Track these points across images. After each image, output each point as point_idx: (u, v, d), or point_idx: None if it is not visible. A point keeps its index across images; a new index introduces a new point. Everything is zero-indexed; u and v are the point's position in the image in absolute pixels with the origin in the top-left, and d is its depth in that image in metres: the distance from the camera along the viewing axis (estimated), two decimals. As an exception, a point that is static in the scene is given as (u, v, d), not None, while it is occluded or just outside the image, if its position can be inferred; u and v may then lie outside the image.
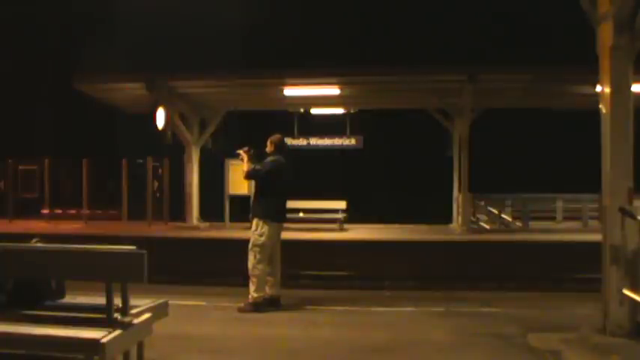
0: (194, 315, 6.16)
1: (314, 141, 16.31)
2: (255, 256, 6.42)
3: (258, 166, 6.68)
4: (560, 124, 19.72)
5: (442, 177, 16.92)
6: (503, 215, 14.62)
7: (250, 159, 6.75)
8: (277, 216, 6.58)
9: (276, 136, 6.81)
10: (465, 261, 11.14)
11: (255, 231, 6.47)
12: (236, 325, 5.81)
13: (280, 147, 6.79)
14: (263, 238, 6.41)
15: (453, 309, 6.49)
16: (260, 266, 6.40)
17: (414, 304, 6.81)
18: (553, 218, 14.43)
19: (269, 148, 6.73)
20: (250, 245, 6.48)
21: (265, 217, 6.46)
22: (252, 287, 6.39)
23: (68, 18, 24.77)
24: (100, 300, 3.78)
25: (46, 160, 16.54)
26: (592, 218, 13.69)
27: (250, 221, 6.74)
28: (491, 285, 9.47)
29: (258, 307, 6.32)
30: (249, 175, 6.74)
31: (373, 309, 6.58)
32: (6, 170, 17.24)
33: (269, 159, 6.65)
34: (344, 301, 7.12)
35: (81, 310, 3.92)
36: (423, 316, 6.22)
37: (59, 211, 17.78)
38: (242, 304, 6.38)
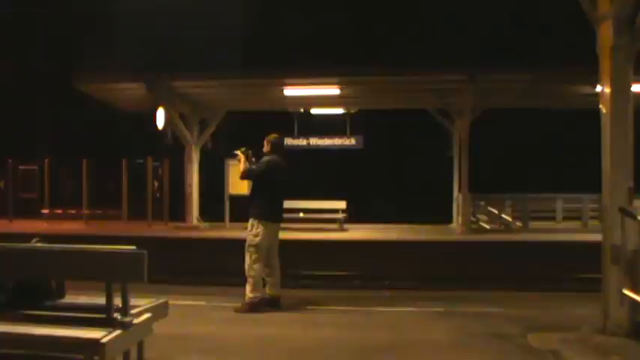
0: (194, 315, 6.15)
1: (314, 141, 16.32)
2: (250, 257, 6.40)
3: (253, 166, 6.68)
4: (560, 124, 19.71)
5: (442, 177, 16.92)
6: (503, 215, 14.63)
7: (247, 159, 6.75)
8: (273, 216, 6.54)
9: (272, 136, 6.79)
10: (465, 261, 11.14)
11: (251, 231, 6.45)
12: (236, 325, 5.80)
13: (277, 146, 6.77)
14: (258, 239, 6.39)
15: (452, 309, 6.48)
16: (256, 266, 6.38)
17: (414, 304, 6.81)
18: (553, 218, 14.43)
19: (266, 148, 6.72)
20: (246, 245, 6.46)
21: (261, 217, 6.44)
22: (248, 288, 6.37)
23: (68, 18, 24.75)
24: (100, 300, 3.78)
25: (46, 160, 16.55)
26: (592, 218, 13.69)
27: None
28: (491, 285, 9.47)
29: (255, 307, 6.30)
30: (244, 175, 6.72)
31: (373, 309, 6.58)
32: (6, 170, 17.25)
33: (264, 159, 6.63)
34: (344, 301, 7.11)
35: (81, 310, 3.92)
36: (423, 316, 6.22)
37: (59, 211, 17.79)
38: (239, 305, 6.37)
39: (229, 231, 13.39)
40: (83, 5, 24.03)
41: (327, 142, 16.39)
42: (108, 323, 3.63)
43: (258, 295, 6.38)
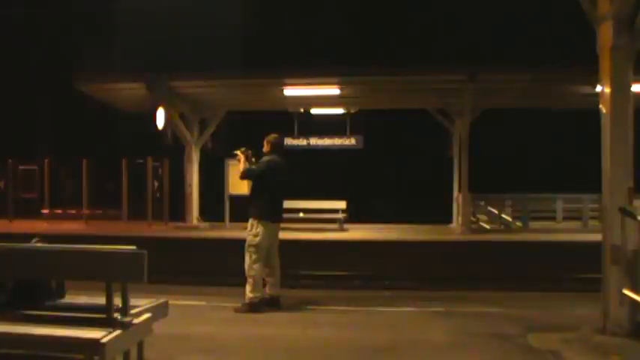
0: (194, 315, 6.15)
1: (314, 141, 16.32)
2: (250, 257, 6.40)
3: (253, 166, 6.68)
4: (560, 124, 19.71)
5: (442, 177, 16.92)
6: (503, 215, 14.63)
7: (247, 159, 6.75)
8: (272, 216, 6.54)
9: (272, 136, 6.78)
10: (465, 261, 11.14)
11: (251, 231, 6.44)
12: (236, 325, 5.80)
13: (277, 146, 6.77)
14: (258, 239, 6.38)
15: (452, 309, 6.48)
16: (256, 266, 6.37)
17: (414, 304, 6.81)
18: (553, 218, 14.43)
19: (265, 148, 6.72)
20: (246, 245, 6.46)
21: (260, 217, 6.43)
22: (248, 288, 6.37)
23: (69, 18, 24.77)
24: (100, 300, 3.78)
25: (46, 160, 16.55)
26: (592, 218, 13.69)
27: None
28: (491, 285, 9.48)
29: (255, 307, 6.29)
30: (244, 175, 6.72)
31: (373, 309, 6.57)
32: (6, 170, 17.25)
33: (264, 159, 6.63)
34: (344, 301, 7.11)
35: (81, 310, 3.92)
36: (423, 316, 6.22)
37: (59, 211, 17.80)
38: (239, 305, 6.37)
39: (229, 231, 13.39)
40: (83, 5, 24.03)
41: (327, 142, 16.39)
42: (108, 323, 3.63)
43: (258, 295, 6.37)
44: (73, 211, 17.46)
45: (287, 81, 13.66)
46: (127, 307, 3.75)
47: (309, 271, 10.44)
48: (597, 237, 5.45)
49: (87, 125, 23.14)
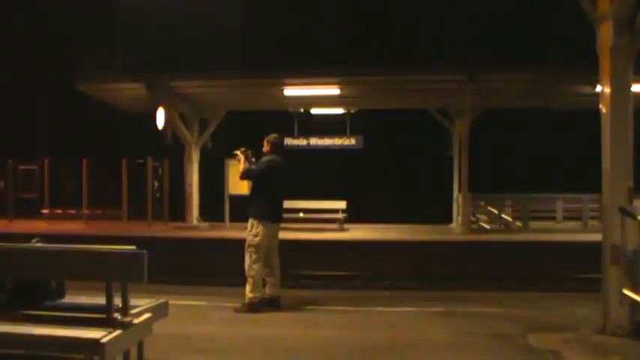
0: (194, 315, 6.15)
1: (314, 141, 16.32)
2: (250, 257, 6.40)
3: (253, 166, 6.68)
4: (560, 124, 19.70)
5: (442, 177, 16.92)
6: (503, 215, 14.63)
7: (247, 159, 6.75)
8: (272, 216, 6.53)
9: (272, 136, 6.78)
10: (465, 261, 11.15)
11: (250, 231, 6.44)
12: (236, 325, 5.80)
13: (277, 146, 6.77)
14: (258, 239, 6.38)
15: (452, 309, 6.48)
16: (256, 267, 6.38)
17: (414, 304, 6.81)
18: (553, 218, 14.43)
19: (265, 148, 6.71)
20: (246, 246, 6.46)
21: (260, 217, 6.43)
22: (248, 288, 6.37)
23: (69, 18, 24.76)
24: (100, 300, 3.78)
25: (46, 160, 16.56)
26: (592, 218, 13.69)
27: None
28: (491, 285, 9.49)
29: (255, 307, 6.29)
30: (243, 175, 6.72)
31: (373, 309, 6.57)
32: (6, 170, 17.26)
33: (264, 159, 6.63)
34: (344, 301, 7.11)
35: (81, 310, 3.92)
36: (423, 316, 6.22)
37: (59, 211, 17.81)
38: (239, 305, 6.37)
39: (229, 231, 13.39)
40: (84, 5, 24.03)
41: (327, 142, 16.39)
42: (108, 323, 3.63)
43: (258, 295, 6.37)
44: (73, 211, 17.46)
45: (287, 81, 13.67)
46: (127, 307, 3.75)
47: (309, 271, 10.44)
48: (597, 237, 5.45)
49: (87, 125, 23.13)
